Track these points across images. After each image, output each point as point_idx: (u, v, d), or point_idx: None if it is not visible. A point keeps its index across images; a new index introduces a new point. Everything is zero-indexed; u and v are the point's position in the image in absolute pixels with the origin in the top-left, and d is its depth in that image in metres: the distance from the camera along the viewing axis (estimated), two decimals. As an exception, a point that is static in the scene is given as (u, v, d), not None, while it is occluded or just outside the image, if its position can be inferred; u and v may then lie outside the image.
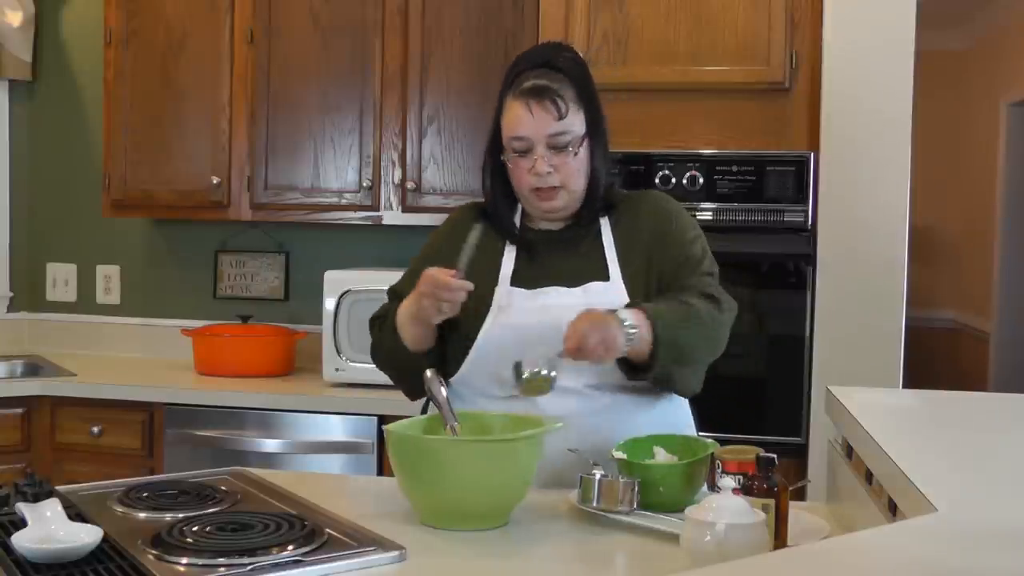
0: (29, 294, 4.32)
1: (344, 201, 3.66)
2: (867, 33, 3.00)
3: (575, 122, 2.04)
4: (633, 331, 1.86)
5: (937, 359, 6.62)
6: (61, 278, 4.29)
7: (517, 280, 2.07)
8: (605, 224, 2.11)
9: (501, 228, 2.12)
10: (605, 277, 2.05)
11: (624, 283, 2.04)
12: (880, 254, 2.99)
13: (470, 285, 1.93)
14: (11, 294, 4.30)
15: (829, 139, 3.01)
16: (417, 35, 3.56)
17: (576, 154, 2.04)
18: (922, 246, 6.28)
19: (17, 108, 4.30)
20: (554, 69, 2.06)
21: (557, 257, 2.09)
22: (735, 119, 3.13)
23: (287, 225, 3.96)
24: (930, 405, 2.18)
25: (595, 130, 2.07)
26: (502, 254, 2.10)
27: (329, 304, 3.49)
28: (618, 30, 3.17)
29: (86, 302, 4.27)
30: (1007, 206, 6.11)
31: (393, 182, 3.61)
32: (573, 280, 2.05)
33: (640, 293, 2.03)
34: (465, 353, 2.05)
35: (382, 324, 2.14)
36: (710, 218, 3.08)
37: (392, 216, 3.63)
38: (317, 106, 3.66)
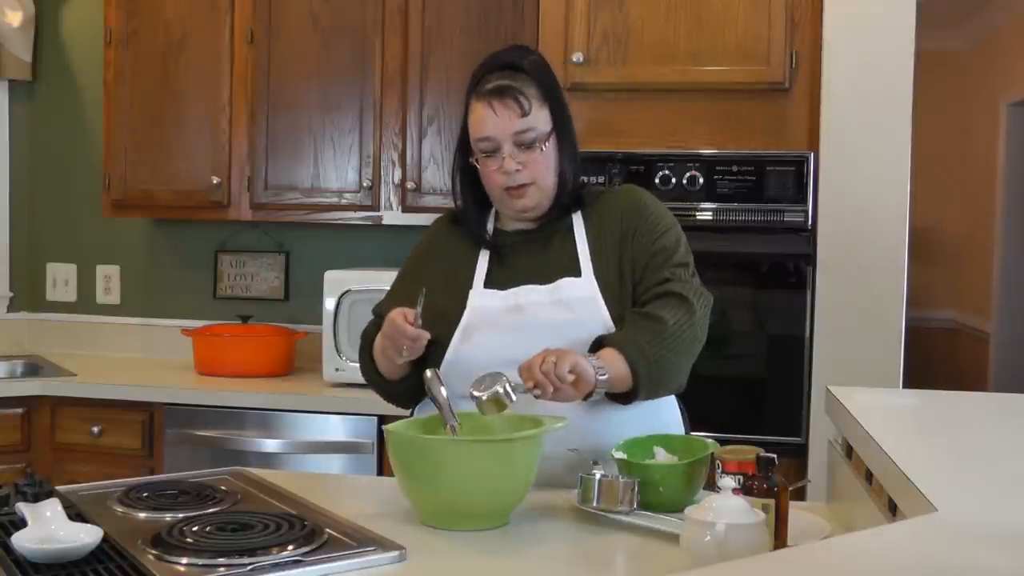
0: (29, 294, 4.32)
1: (344, 201, 3.66)
2: (867, 33, 3.00)
3: (540, 119, 2.05)
4: (600, 368, 1.87)
5: (936, 359, 6.62)
6: (61, 278, 4.29)
7: (490, 283, 2.08)
8: (577, 220, 2.11)
9: (472, 234, 2.14)
10: (576, 273, 2.05)
11: (596, 279, 2.04)
12: (880, 254, 2.99)
13: (427, 335, 1.96)
14: (11, 294, 4.30)
15: (829, 139, 3.00)
16: (417, 35, 3.57)
17: (543, 150, 2.05)
18: (922, 246, 6.28)
19: (17, 108, 4.30)
20: (516, 70, 2.06)
21: (529, 256, 2.09)
22: (735, 119, 3.13)
23: (287, 225, 3.96)
24: (930, 405, 2.18)
25: (561, 127, 2.08)
26: (476, 259, 2.11)
27: (329, 304, 3.49)
28: (618, 30, 3.17)
29: (86, 302, 4.27)
30: (1007, 206, 6.11)
31: (393, 182, 3.61)
32: (544, 277, 2.05)
33: (613, 288, 2.03)
34: (442, 357, 2.05)
35: (364, 345, 2.16)
36: (710, 218, 3.08)
37: (392, 216, 3.63)
38: (317, 106, 3.66)
